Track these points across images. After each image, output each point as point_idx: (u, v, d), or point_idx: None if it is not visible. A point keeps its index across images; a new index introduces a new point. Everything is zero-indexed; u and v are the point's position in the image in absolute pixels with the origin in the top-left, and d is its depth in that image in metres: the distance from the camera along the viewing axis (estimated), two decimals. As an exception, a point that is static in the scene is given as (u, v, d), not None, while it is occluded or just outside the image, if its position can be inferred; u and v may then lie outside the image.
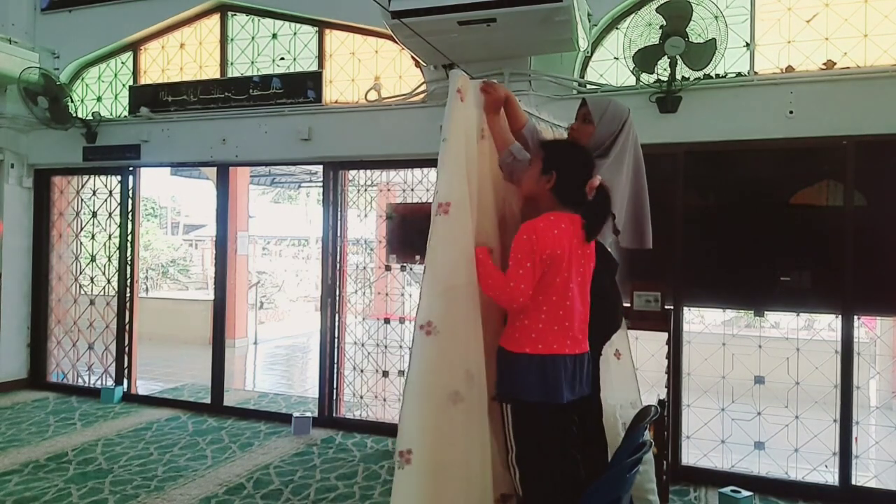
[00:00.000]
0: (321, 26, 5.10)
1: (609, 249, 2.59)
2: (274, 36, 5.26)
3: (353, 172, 5.10)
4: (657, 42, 3.79)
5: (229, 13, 5.41)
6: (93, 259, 5.95)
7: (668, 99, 3.90)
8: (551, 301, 2.14)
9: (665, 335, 3.72)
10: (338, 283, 4.96)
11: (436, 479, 1.97)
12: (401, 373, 4.74)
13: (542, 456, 2.18)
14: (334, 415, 4.93)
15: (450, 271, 2.13)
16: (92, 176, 5.92)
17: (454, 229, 2.13)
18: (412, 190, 4.81)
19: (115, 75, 5.84)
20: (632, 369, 3.14)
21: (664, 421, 3.61)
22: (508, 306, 2.17)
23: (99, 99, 5.89)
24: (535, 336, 2.13)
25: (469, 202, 2.21)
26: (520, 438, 2.17)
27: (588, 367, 2.24)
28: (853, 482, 3.65)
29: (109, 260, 5.80)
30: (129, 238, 5.70)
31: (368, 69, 4.98)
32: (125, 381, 5.65)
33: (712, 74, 3.84)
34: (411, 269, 4.86)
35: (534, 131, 2.59)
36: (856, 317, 3.72)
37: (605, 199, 2.23)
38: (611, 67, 4.26)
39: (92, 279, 5.99)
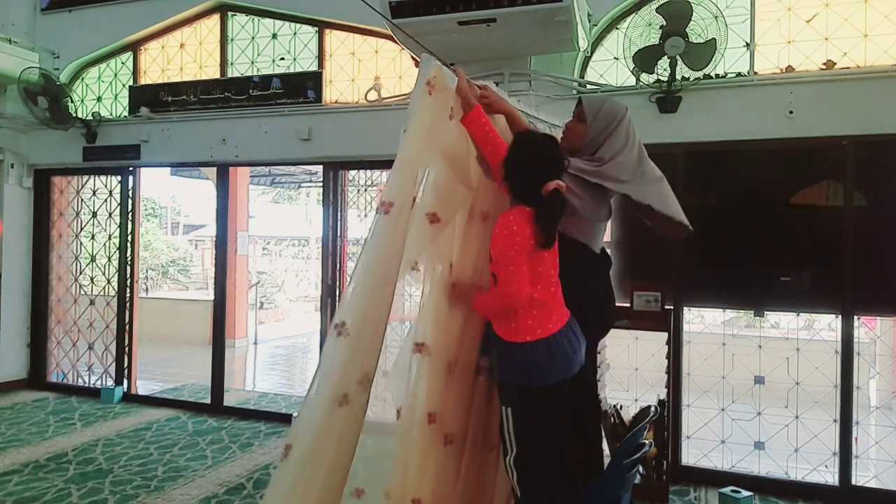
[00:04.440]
0: (321, 26, 5.10)
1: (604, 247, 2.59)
2: (274, 36, 5.26)
3: (353, 172, 5.10)
4: (657, 42, 3.79)
5: (229, 13, 5.41)
6: (93, 259, 5.95)
7: (668, 99, 3.90)
8: (537, 289, 2.17)
9: (665, 335, 3.73)
10: (338, 283, 4.96)
11: (304, 470, 1.95)
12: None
13: (543, 452, 2.18)
14: (334, 415, 4.92)
15: (379, 275, 2.04)
16: (92, 176, 5.92)
17: (392, 231, 2.05)
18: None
19: (115, 75, 5.84)
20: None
21: (664, 421, 3.62)
22: (518, 306, 2.13)
23: (99, 99, 5.89)
24: (531, 323, 2.15)
25: (410, 205, 2.11)
26: (521, 437, 2.16)
27: (577, 326, 2.26)
28: (853, 482, 3.65)
29: (109, 260, 5.80)
30: (129, 238, 5.70)
31: (368, 69, 4.98)
32: (125, 382, 5.64)
33: (712, 74, 3.84)
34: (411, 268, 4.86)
35: None
36: (856, 317, 3.72)
37: (558, 204, 2.14)
38: (611, 67, 4.26)
39: (92, 279, 5.98)
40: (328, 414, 1.96)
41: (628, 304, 3.75)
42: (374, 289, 2.03)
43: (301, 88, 5.03)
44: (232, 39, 5.41)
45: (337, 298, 4.95)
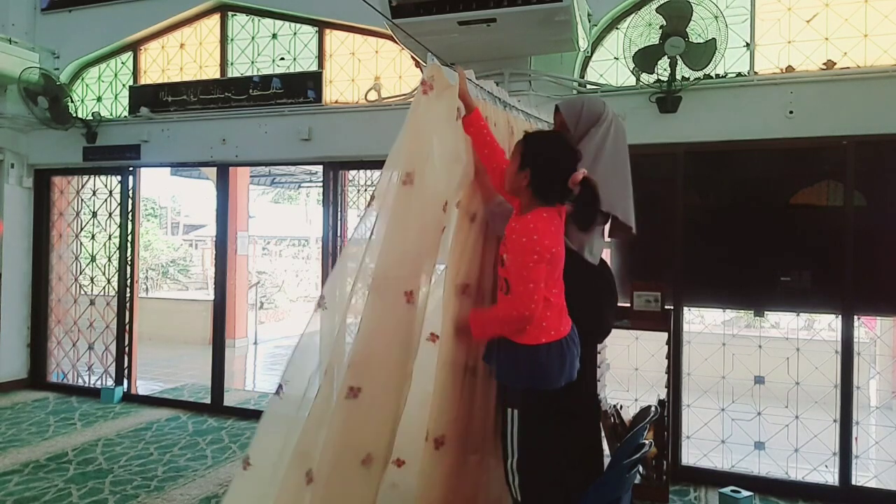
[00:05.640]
0: (321, 26, 5.10)
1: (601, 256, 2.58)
2: (274, 36, 5.26)
3: (353, 172, 5.10)
4: (657, 42, 3.79)
5: (229, 13, 5.41)
6: (93, 259, 5.95)
7: (668, 99, 3.90)
8: (553, 292, 2.16)
9: (665, 335, 3.73)
10: (338, 283, 4.95)
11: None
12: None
13: (547, 456, 2.17)
14: (334, 415, 4.92)
15: (360, 266, 2.13)
16: (92, 176, 5.92)
17: (376, 225, 2.15)
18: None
19: (115, 75, 5.84)
20: None
21: (664, 421, 3.62)
22: (532, 321, 2.11)
23: (99, 99, 5.89)
24: (546, 325, 2.13)
25: (386, 203, 2.18)
26: (525, 441, 2.15)
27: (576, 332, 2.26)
28: (853, 482, 3.65)
29: (109, 260, 5.79)
30: (129, 238, 5.70)
31: (368, 69, 4.98)
32: (125, 381, 5.64)
33: (712, 74, 3.83)
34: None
35: (497, 207, 2.42)
36: (856, 317, 3.72)
37: (593, 192, 2.12)
38: (611, 67, 4.26)
39: (92, 279, 5.98)
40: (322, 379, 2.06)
41: (628, 304, 3.76)
42: (358, 279, 2.08)
43: (301, 88, 5.03)
44: (232, 39, 5.41)
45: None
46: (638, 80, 3.94)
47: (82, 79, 5.94)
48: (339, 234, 4.99)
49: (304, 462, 1.98)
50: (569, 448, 2.27)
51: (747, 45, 3.93)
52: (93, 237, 5.95)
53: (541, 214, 2.12)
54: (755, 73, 3.91)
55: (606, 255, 4.01)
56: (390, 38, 4.17)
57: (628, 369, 4.09)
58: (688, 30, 3.73)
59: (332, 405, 2.02)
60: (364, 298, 2.09)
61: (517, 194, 2.21)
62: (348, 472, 2.04)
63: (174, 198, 21.77)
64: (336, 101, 5.02)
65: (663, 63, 3.80)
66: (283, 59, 5.22)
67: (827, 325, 4.95)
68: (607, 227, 2.62)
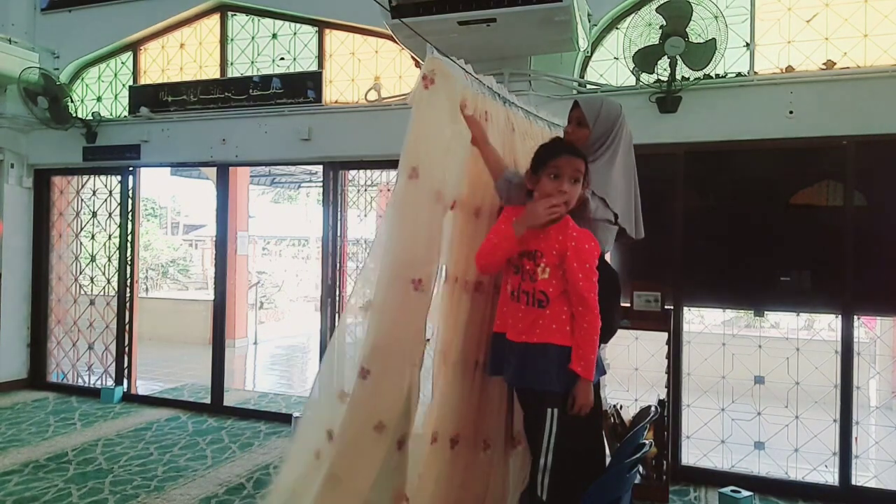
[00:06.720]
0: (321, 26, 5.10)
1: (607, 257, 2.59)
2: (274, 36, 5.26)
3: (353, 172, 5.10)
4: (657, 42, 3.79)
5: (229, 13, 5.41)
6: (93, 259, 5.95)
7: (668, 99, 3.90)
8: None
9: (665, 335, 3.73)
10: (338, 283, 4.96)
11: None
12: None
13: (580, 455, 2.19)
14: (334, 415, 4.92)
15: (389, 263, 2.19)
16: (92, 176, 5.92)
17: (391, 223, 2.20)
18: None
19: (115, 75, 5.84)
20: None
21: (664, 421, 3.62)
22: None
23: (99, 99, 5.89)
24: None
25: (396, 201, 2.20)
26: (560, 441, 2.14)
27: None
28: (853, 482, 3.65)
29: (109, 260, 5.80)
30: (129, 238, 5.70)
31: (368, 69, 4.98)
32: (125, 381, 5.64)
33: (712, 74, 3.84)
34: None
35: (514, 177, 2.36)
36: (856, 317, 3.72)
37: None
38: (611, 67, 4.26)
39: (92, 279, 5.99)
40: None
41: (628, 304, 3.76)
42: (391, 275, 2.15)
43: (301, 88, 5.03)
44: (232, 39, 5.41)
45: (337, 298, 4.95)
46: (638, 80, 3.95)
47: (82, 79, 5.94)
48: (338, 234, 4.99)
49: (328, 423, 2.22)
50: (595, 448, 2.29)
51: (747, 45, 3.93)
52: (93, 237, 5.95)
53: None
54: (755, 73, 3.91)
55: (606, 254, 4.01)
56: (390, 38, 4.17)
57: (628, 369, 4.09)
58: (688, 30, 3.73)
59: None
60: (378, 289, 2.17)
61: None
62: (361, 435, 2.14)
63: (174, 198, 21.76)
64: (336, 101, 5.02)
65: (663, 63, 3.80)
66: (282, 59, 5.22)
67: (827, 325, 4.95)
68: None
